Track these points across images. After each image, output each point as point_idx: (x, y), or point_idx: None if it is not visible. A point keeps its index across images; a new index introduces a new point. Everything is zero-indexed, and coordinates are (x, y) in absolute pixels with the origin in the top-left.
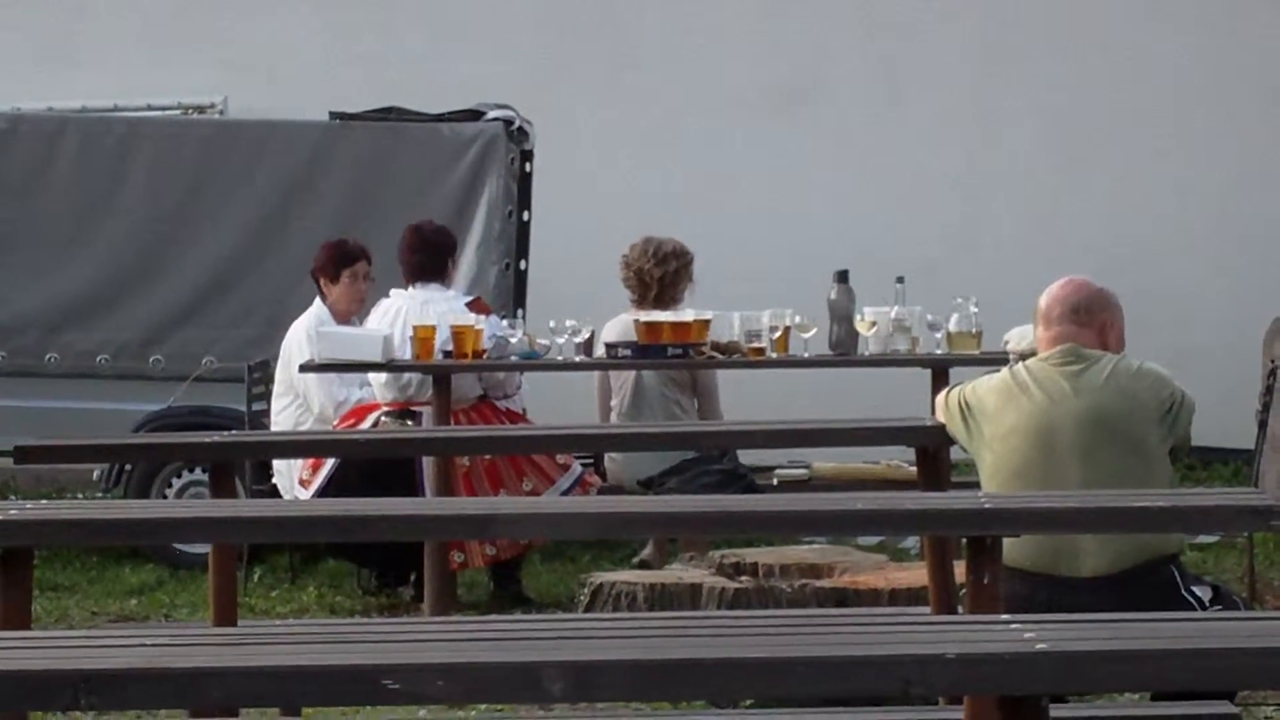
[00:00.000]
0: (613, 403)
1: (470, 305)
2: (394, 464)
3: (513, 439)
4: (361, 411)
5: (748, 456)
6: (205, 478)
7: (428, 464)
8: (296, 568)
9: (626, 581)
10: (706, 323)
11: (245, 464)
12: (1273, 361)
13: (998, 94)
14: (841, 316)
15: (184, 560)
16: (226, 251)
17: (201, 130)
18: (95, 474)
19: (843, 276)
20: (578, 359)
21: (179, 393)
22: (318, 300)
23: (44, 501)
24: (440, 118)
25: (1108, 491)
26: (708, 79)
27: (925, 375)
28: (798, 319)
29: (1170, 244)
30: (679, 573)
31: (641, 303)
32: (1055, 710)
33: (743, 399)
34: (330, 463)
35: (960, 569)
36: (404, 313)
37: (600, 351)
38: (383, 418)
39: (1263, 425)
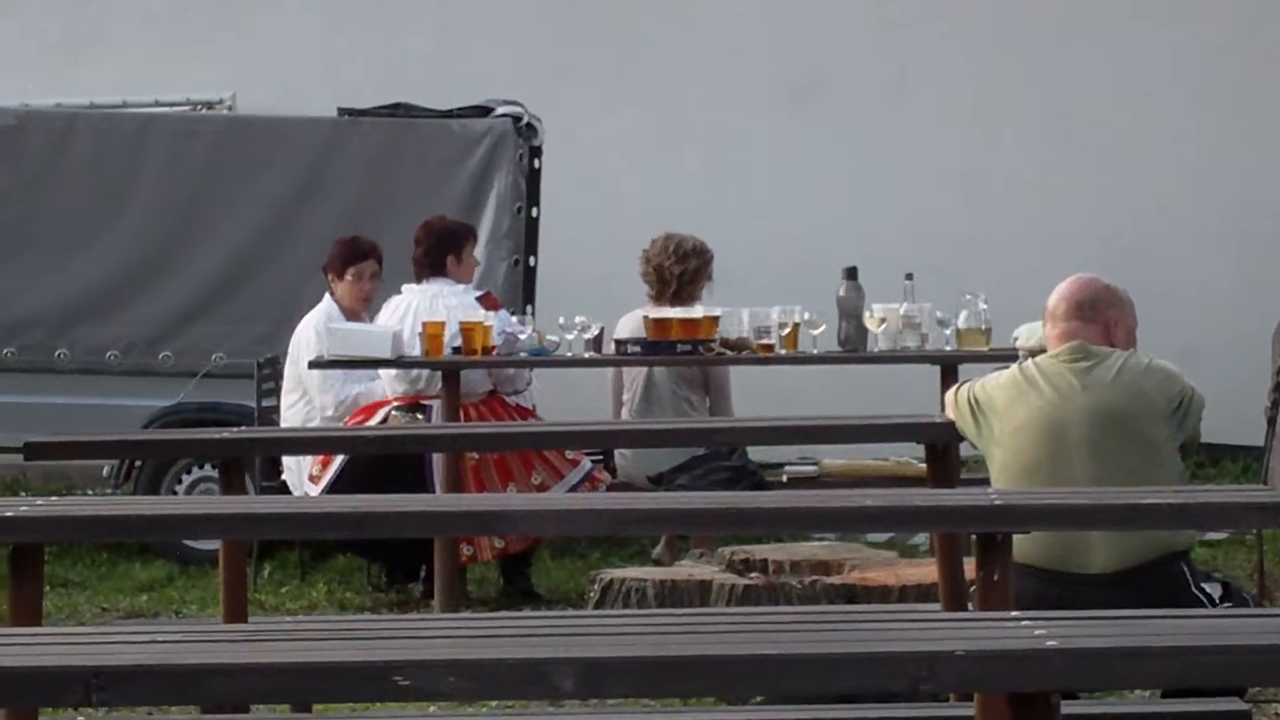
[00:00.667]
0: (624, 398)
1: (480, 300)
2: (404, 459)
3: (522, 435)
4: (371, 408)
5: (757, 453)
6: (215, 474)
7: (437, 459)
8: (306, 564)
9: (636, 578)
10: (716, 319)
11: (255, 460)
12: None
13: (1006, 90)
14: (850, 313)
15: (194, 556)
16: (236, 248)
17: (210, 126)
18: (105, 470)
19: (852, 273)
20: (587, 355)
21: (189, 389)
22: (327, 296)
23: (54, 498)
24: (449, 114)
25: (1117, 488)
26: (716, 74)
27: (934, 372)
28: (807, 315)
29: (1179, 240)
30: (689, 569)
31: (659, 299)
32: (1065, 707)
33: (752, 395)
34: (340, 458)
35: (970, 565)
36: (414, 308)
37: (610, 347)
38: (393, 412)
39: (1272, 421)
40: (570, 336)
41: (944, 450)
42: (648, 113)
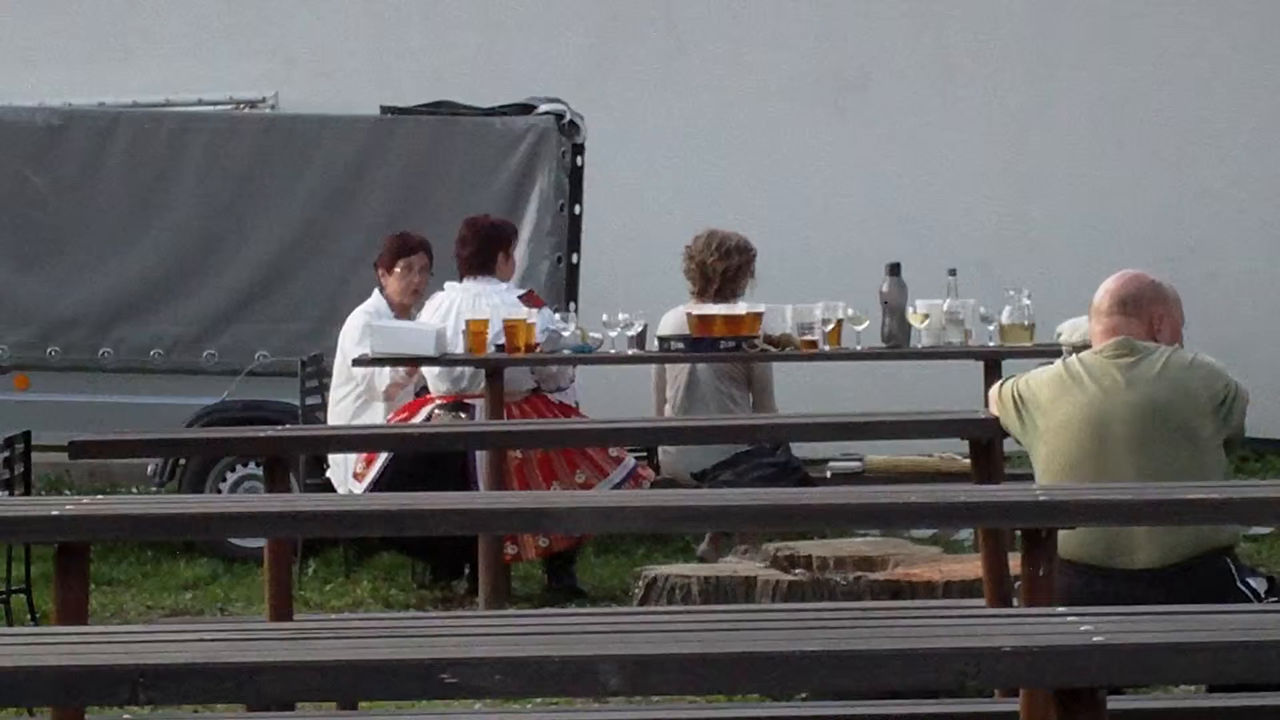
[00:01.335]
0: (667, 395)
1: (523, 298)
2: (447, 457)
3: (566, 432)
4: (415, 406)
5: (801, 449)
6: (259, 472)
7: (481, 457)
8: (351, 561)
9: (681, 575)
10: (759, 315)
11: (299, 458)
12: None
13: (1050, 85)
14: (894, 309)
15: (238, 554)
16: (278, 246)
17: (253, 125)
18: (149, 469)
19: (895, 269)
20: (630, 352)
21: (232, 387)
22: (376, 291)
23: (99, 496)
24: (491, 112)
25: (1162, 484)
26: (759, 70)
27: (978, 368)
28: (850, 312)
29: (1224, 235)
30: (733, 566)
31: (702, 295)
32: (1111, 702)
33: (795, 392)
34: (384, 456)
35: (1014, 561)
36: (456, 306)
37: (653, 345)
38: (436, 410)
39: None
40: (613, 334)
41: (988, 446)
42: (691, 110)
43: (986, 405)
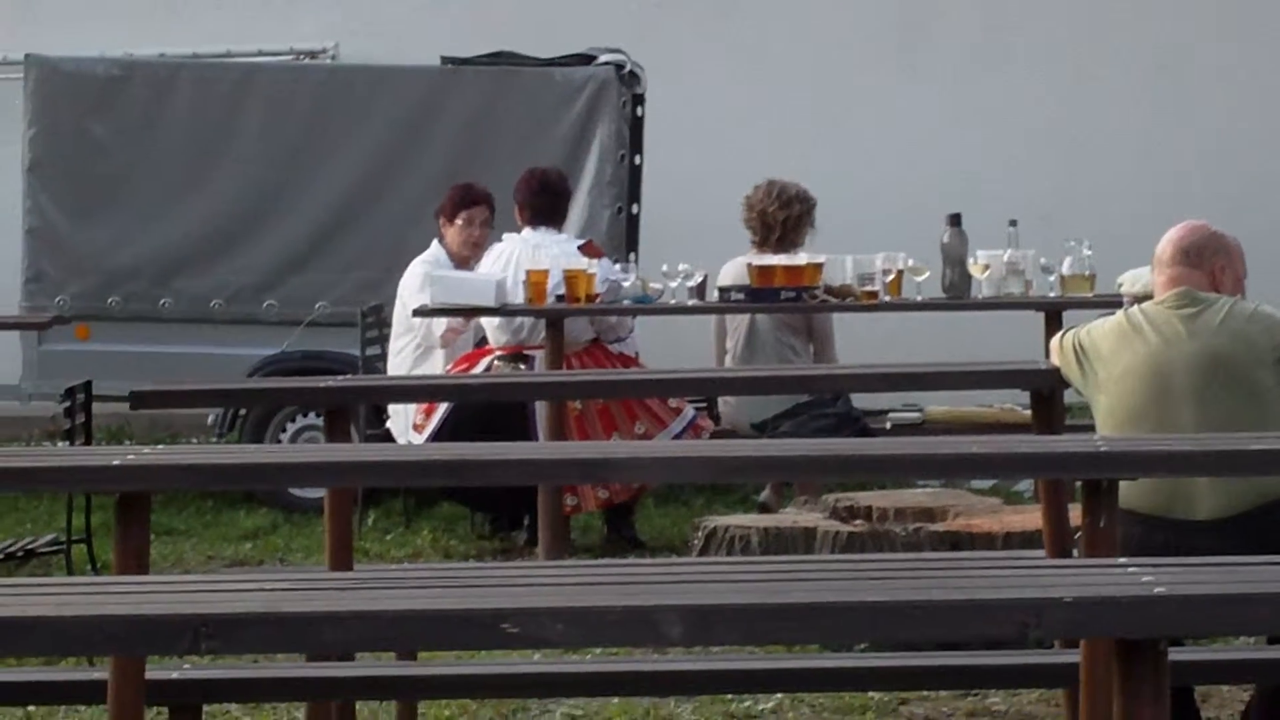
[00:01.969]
0: (727, 345)
1: (582, 248)
2: (507, 408)
3: (626, 383)
4: (474, 356)
5: (861, 400)
6: (319, 422)
7: (540, 408)
8: (410, 512)
9: (740, 525)
10: (819, 266)
11: (359, 409)
12: None
13: (1110, 34)
14: (954, 260)
15: (297, 505)
16: (338, 197)
17: (313, 76)
18: (210, 419)
19: (956, 220)
20: (690, 303)
21: (293, 338)
22: (436, 241)
23: (159, 446)
24: (551, 62)
25: (1223, 434)
26: (819, 20)
27: (1038, 319)
28: (911, 262)
29: None
30: (793, 516)
31: (763, 245)
32: (1172, 654)
33: (855, 343)
34: (444, 406)
35: (1075, 512)
36: (516, 256)
37: (713, 295)
38: (495, 362)
39: None
40: (673, 284)
41: (1049, 397)
42: (751, 60)
43: (1047, 356)
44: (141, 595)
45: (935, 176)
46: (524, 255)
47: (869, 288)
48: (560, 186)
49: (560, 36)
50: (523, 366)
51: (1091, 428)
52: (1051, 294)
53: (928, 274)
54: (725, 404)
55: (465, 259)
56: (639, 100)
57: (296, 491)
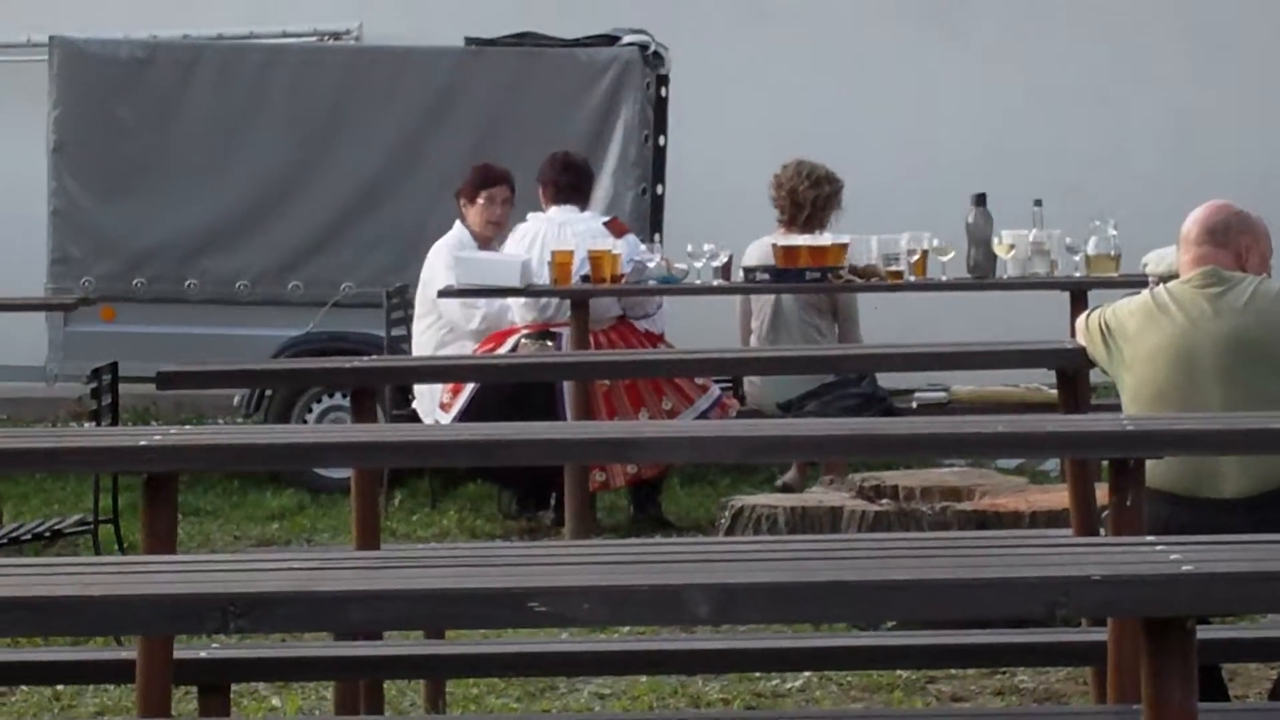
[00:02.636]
0: (752, 325)
1: (607, 225)
2: (534, 386)
3: (652, 363)
4: (500, 336)
5: (886, 380)
6: (345, 403)
7: (568, 385)
8: (437, 492)
9: (767, 505)
10: (844, 246)
11: (385, 389)
12: None
13: (1138, 14)
14: (979, 240)
15: (323, 485)
16: (363, 178)
17: (337, 57)
18: (235, 400)
19: (980, 200)
20: (715, 283)
21: (318, 318)
22: (458, 222)
23: (186, 427)
24: (576, 43)
25: (1250, 413)
26: (844, 1)
27: (1064, 298)
28: (935, 242)
29: None
30: (819, 496)
31: (791, 224)
32: (1200, 632)
33: (880, 323)
34: (470, 386)
35: (1101, 491)
36: (541, 235)
37: (738, 275)
38: (522, 339)
39: None
40: (698, 264)
41: (1074, 376)
42: (774, 40)
43: (1073, 335)
44: (169, 575)
45: (960, 156)
46: (549, 233)
47: (894, 268)
48: (584, 167)
49: (584, 17)
50: (550, 343)
51: (1117, 407)
52: (1077, 274)
53: (953, 254)
54: (751, 384)
55: (487, 239)
56: (663, 81)
57: (322, 472)
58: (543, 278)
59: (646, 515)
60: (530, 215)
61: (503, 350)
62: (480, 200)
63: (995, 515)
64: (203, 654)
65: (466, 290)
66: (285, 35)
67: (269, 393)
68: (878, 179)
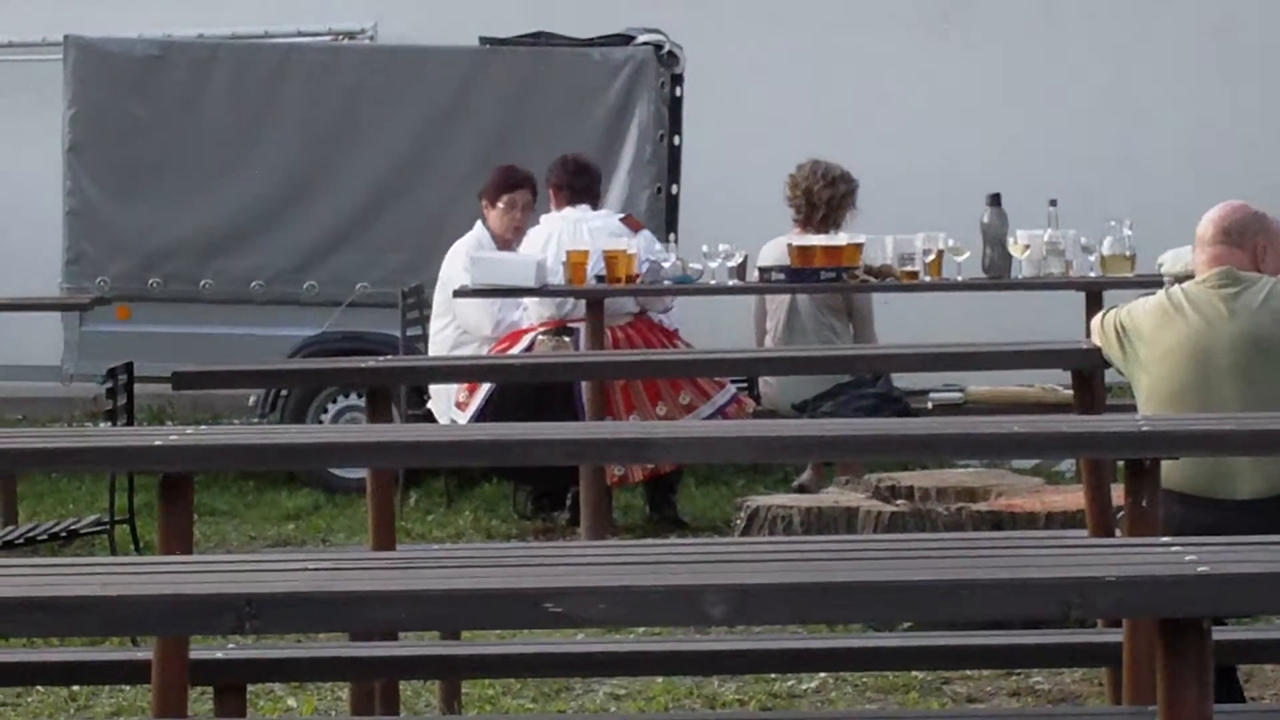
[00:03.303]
0: (767, 326)
1: (622, 221)
2: (551, 383)
3: (667, 363)
4: (516, 335)
5: (902, 380)
6: (360, 403)
7: (585, 383)
8: (452, 492)
9: (782, 505)
10: (859, 246)
11: (400, 389)
12: None
13: (1152, 12)
14: (995, 240)
15: (339, 485)
16: (378, 177)
17: (352, 57)
18: (251, 400)
19: (996, 200)
20: (730, 283)
21: (333, 318)
22: (479, 222)
23: (201, 427)
24: (590, 42)
25: (1266, 413)
26: (859, 1)
27: (1079, 298)
28: (951, 242)
29: None
30: (835, 496)
31: (807, 223)
32: (1216, 633)
33: (896, 323)
34: (487, 385)
35: (1117, 492)
36: (558, 235)
37: (754, 275)
38: (539, 336)
39: None
40: (714, 264)
41: (1090, 376)
42: (789, 39)
43: (1088, 335)
44: (185, 575)
45: (975, 156)
46: (565, 232)
47: (909, 268)
48: (595, 169)
49: (599, 17)
50: (567, 340)
51: (1133, 407)
52: (1092, 274)
53: (968, 254)
54: (766, 384)
55: (507, 242)
56: (678, 80)
57: (338, 472)
58: (558, 277)
59: (662, 515)
60: (544, 217)
61: (519, 347)
62: (501, 204)
63: (1010, 516)
64: (219, 654)
65: (482, 290)
66: (300, 34)
67: (284, 393)
68: (893, 179)
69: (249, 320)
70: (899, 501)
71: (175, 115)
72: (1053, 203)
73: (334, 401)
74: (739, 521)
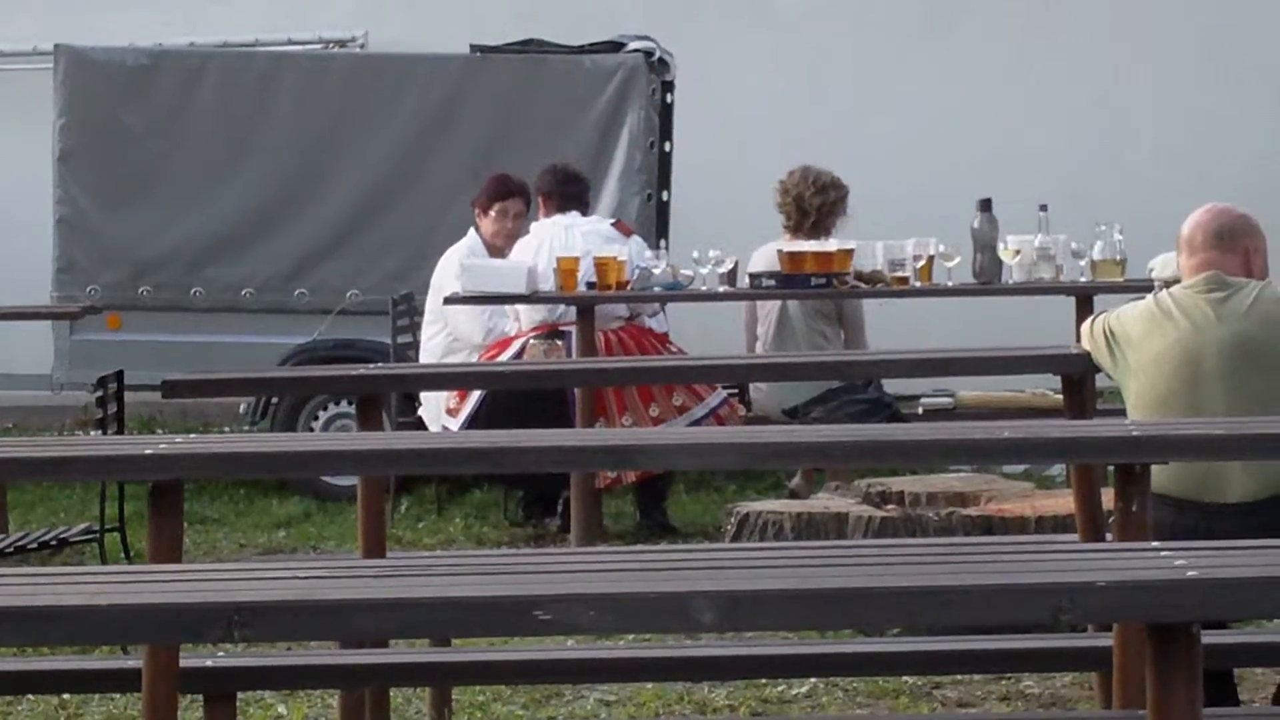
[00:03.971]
0: (758, 332)
1: (613, 226)
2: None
3: (659, 370)
4: (506, 341)
5: (893, 385)
6: (351, 410)
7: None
8: (443, 499)
9: (773, 511)
10: (850, 252)
11: (391, 396)
12: None
13: (1141, 16)
14: (985, 245)
15: (330, 493)
16: (369, 185)
17: (343, 64)
18: (241, 407)
19: (986, 205)
20: (721, 289)
21: (323, 326)
22: (472, 230)
23: (191, 435)
24: (581, 49)
25: (1255, 418)
26: (848, 5)
27: (1070, 303)
28: (941, 248)
29: None
30: (825, 502)
31: (797, 230)
32: (1206, 636)
33: (887, 328)
34: (478, 392)
35: (1107, 496)
36: (549, 241)
37: (744, 281)
38: (530, 340)
39: None
40: (704, 270)
41: (1080, 381)
42: (779, 46)
43: (1078, 341)
44: (175, 584)
45: (965, 161)
46: (556, 239)
47: (900, 273)
48: (584, 177)
49: (589, 24)
50: (559, 343)
51: (1122, 412)
52: (1082, 279)
53: (958, 259)
54: (757, 390)
55: (499, 249)
56: (668, 87)
57: (329, 479)
58: (549, 283)
59: (652, 521)
60: (533, 225)
61: (510, 351)
62: (493, 212)
63: (1001, 520)
64: (209, 662)
65: (472, 297)
66: (291, 43)
67: (275, 400)
68: (883, 185)
69: (239, 328)
70: (889, 507)
71: (166, 124)
72: (1043, 208)
73: (324, 409)
74: (729, 527)
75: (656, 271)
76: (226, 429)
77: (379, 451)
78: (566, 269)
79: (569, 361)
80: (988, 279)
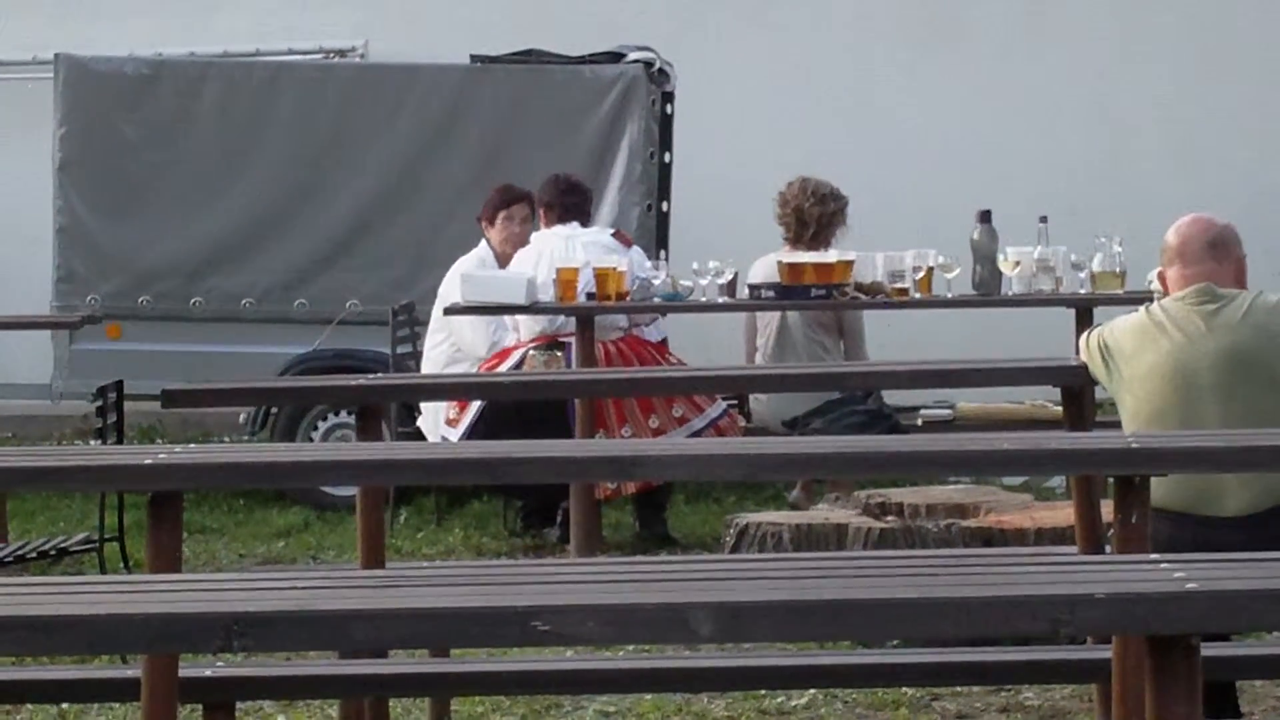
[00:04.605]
0: (758, 343)
1: (613, 236)
2: (543, 399)
3: (658, 381)
4: (506, 352)
5: (892, 397)
6: (351, 420)
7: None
8: (442, 509)
9: (772, 522)
10: (850, 263)
11: (391, 406)
12: None
13: (1141, 29)
14: (985, 256)
15: (329, 503)
16: (369, 195)
17: (343, 74)
18: (241, 418)
19: (986, 216)
20: (721, 300)
21: (323, 336)
22: (483, 242)
23: (191, 445)
24: (581, 60)
25: (1254, 430)
26: (848, 17)
27: (1069, 315)
28: (941, 259)
29: None
30: (825, 513)
31: (797, 241)
32: (1206, 649)
33: (886, 340)
34: (478, 402)
35: (1106, 508)
36: (549, 251)
37: (744, 292)
38: (530, 351)
39: None
40: (704, 281)
41: (1079, 393)
42: (779, 57)
43: (1078, 352)
44: (174, 593)
45: (965, 173)
46: (556, 249)
47: (899, 285)
48: (585, 187)
49: (589, 34)
50: (559, 354)
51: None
52: (1082, 290)
53: (958, 271)
54: (756, 401)
55: (509, 256)
56: (668, 98)
57: (328, 489)
58: (549, 294)
59: (652, 533)
60: (534, 235)
61: (510, 362)
62: (499, 220)
63: (1000, 532)
64: (208, 672)
65: (472, 308)
66: (291, 53)
67: (275, 410)
68: (883, 196)
69: (239, 338)
70: (889, 518)
71: (166, 133)
72: (1043, 219)
73: (324, 419)
74: (728, 539)
75: (656, 282)
76: (226, 439)
77: (378, 462)
78: (566, 280)
79: (569, 372)
80: (987, 290)
